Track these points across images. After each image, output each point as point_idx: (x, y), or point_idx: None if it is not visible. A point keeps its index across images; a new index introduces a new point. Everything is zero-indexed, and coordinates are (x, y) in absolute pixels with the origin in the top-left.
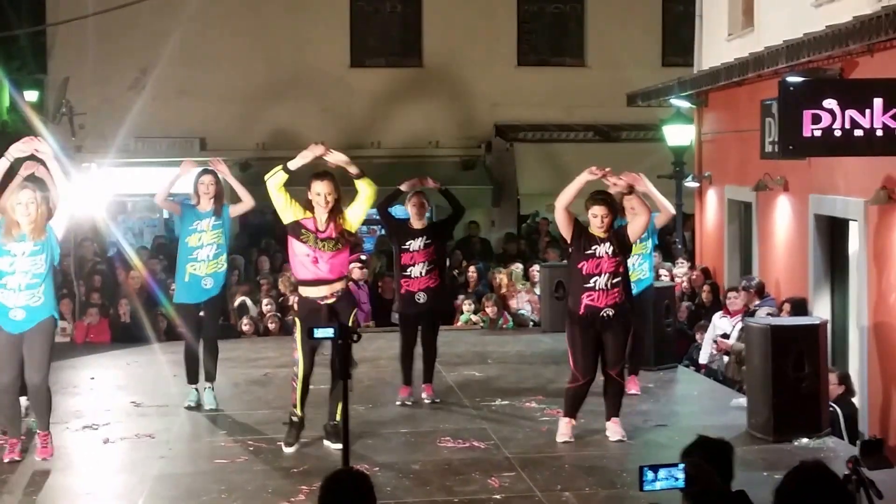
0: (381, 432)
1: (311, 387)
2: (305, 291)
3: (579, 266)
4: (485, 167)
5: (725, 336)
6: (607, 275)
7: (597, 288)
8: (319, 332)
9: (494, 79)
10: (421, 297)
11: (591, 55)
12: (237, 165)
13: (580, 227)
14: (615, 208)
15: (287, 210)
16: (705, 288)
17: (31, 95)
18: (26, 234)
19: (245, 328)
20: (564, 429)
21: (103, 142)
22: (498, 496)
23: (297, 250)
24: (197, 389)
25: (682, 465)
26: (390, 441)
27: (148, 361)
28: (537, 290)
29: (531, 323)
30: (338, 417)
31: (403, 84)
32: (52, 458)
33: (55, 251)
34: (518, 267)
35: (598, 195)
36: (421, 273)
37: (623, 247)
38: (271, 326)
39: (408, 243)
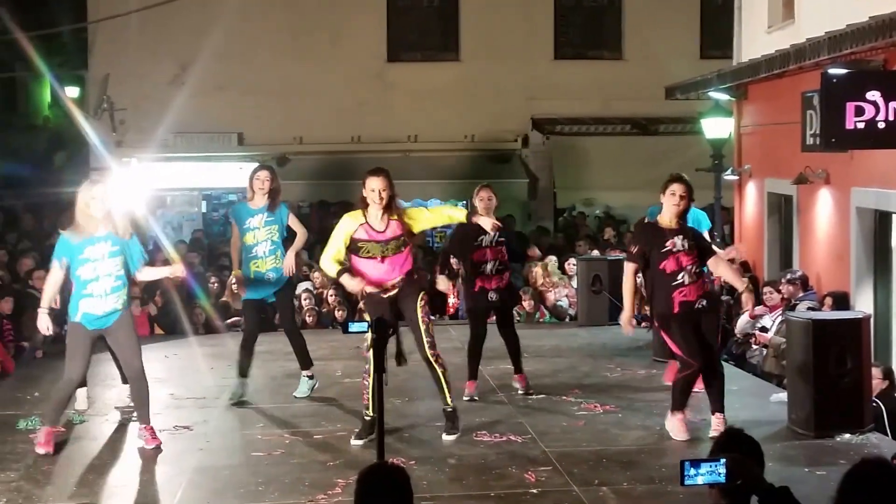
0: (417, 426)
1: (346, 380)
2: (369, 288)
3: (661, 267)
4: (521, 161)
5: (764, 329)
6: (690, 267)
7: (686, 282)
8: (354, 327)
9: (531, 72)
10: (493, 296)
11: (629, 48)
12: (274, 160)
13: (645, 235)
14: (692, 194)
15: (346, 244)
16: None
17: (73, 91)
18: (104, 231)
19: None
20: (679, 426)
21: (143, 137)
22: (534, 490)
23: (360, 263)
24: (245, 383)
25: (723, 460)
26: (426, 435)
27: (186, 354)
28: (574, 284)
29: (569, 317)
30: (447, 402)
31: (440, 78)
32: (150, 448)
33: (135, 260)
34: (553, 260)
35: (678, 175)
36: (493, 270)
37: (699, 251)
38: (309, 320)
39: (479, 239)
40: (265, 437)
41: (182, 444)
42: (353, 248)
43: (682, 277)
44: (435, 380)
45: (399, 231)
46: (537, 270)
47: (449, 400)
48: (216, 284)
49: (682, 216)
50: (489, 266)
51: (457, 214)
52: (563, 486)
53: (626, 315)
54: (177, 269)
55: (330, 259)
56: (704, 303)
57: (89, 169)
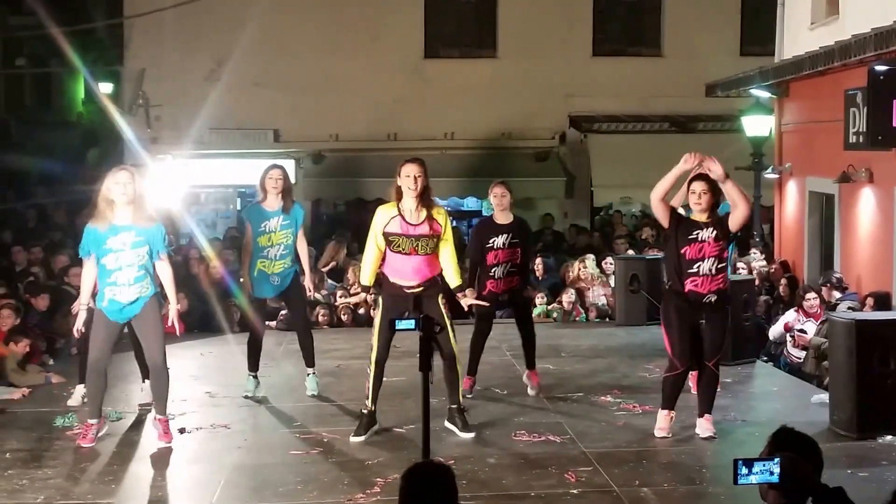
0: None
1: (384, 378)
2: (393, 278)
3: (682, 251)
4: (558, 159)
5: (802, 332)
6: (711, 259)
7: (701, 273)
8: (401, 325)
9: (569, 69)
10: (504, 298)
11: (668, 45)
12: (310, 157)
13: (679, 216)
14: (716, 189)
15: (380, 245)
16: (783, 282)
17: (107, 87)
18: (128, 221)
19: (321, 319)
20: (663, 422)
21: (178, 133)
22: (575, 491)
23: (390, 257)
24: (256, 377)
25: (777, 459)
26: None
27: (222, 352)
28: (611, 283)
29: (607, 317)
30: (460, 399)
31: (477, 75)
32: (160, 444)
33: (158, 249)
34: (591, 258)
35: (699, 174)
36: (503, 274)
37: (725, 233)
38: (344, 318)
39: (491, 240)
40: (303, 435)
41: (220, 443)
42: (386, 241)
43: (699, 267)
44: (454, 379)
45: (434, 230)
46: (577, 269)
47: (461, 398)
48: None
49: (709, 211)
50: (501, 269)
51: (453, 279)
52: (604, 487)
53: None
54: (173, 314)
55: (369, 266)
56: (714, 298)
57: (124, 165)
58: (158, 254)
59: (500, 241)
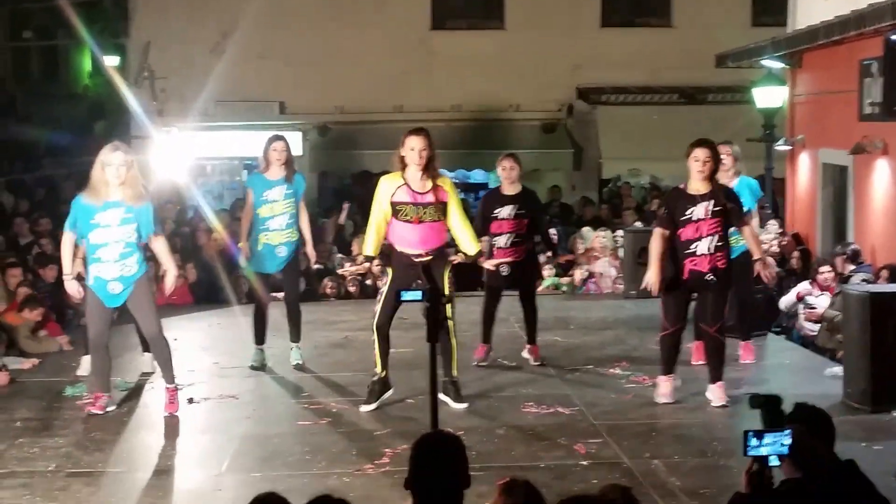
0: (464, 397)
1: (391, 350)
2: (400, 247)
3: (678, 233)
4: (566, 130)
5: (812, 307)
6: (709, 238)
7: (698, 253)
8: (408, 295)
9: (577, 41)
10: (504, 270)
11: (678, 15)
12: (315, 129)
13: (671, 199)
14: (717, 158)
15: (384, 215)
16: (795, 254)
17: (113, 60)
18: (118, 198)
19: (328, 290)
20: (663, 388)
21: (184, 105)
22: (584, 462)
23: (396, 226)
24: (262, 350)
25: (788, 431)
26: (473, 405)
27: (229, 323)
28: (620, 255)
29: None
30: (454, 373)
31: (484, 46)
32: (165, 414)
33: (148, 228)
34: (605, 230)
35: (703, 140)
36: (506, 244)
37: (727, 206)
38: (352, 289)
39: (496, 210)
40: (311, 406)
41: (228, 413)
42: (392, 210)
43: (696, 247)
44: (447, 349)
45: (439, 198)
46: (590, 238)
47: (455, 371)
48: None
49: (710, 179)
50: (504, 239)
51: (470, 246)
52: (614, 459)
53: (651, 275)
54: (170, 280)
55: (372, 238)
56: (713, 277)
57: (130, 138)
58: (149, 235)
59: (505, 211)
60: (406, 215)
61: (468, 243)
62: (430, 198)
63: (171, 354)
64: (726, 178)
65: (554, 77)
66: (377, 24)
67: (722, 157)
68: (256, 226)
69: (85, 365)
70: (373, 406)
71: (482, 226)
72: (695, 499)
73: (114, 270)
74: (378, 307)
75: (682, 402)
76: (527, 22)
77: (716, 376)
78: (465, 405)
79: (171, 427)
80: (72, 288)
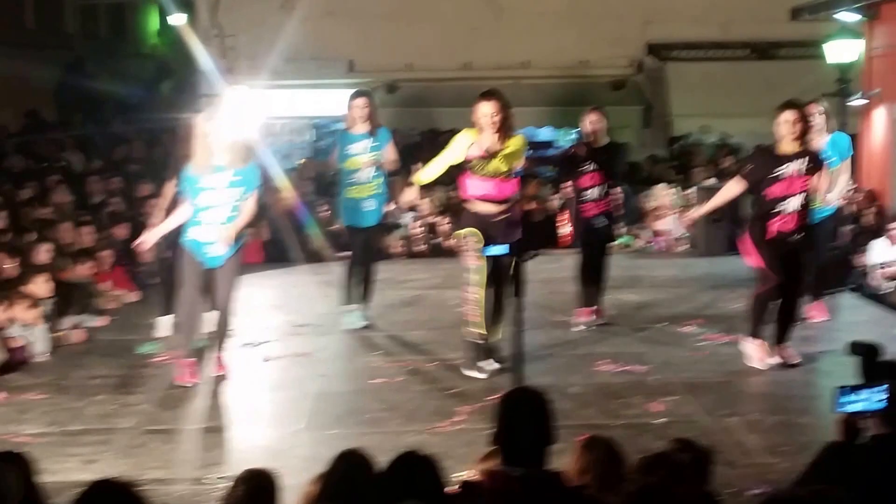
0: (537, 354)
1: (461, 308)
2: (476, 206)
3: (766, 192)
4: (636, 87)
5: (886, 265)
6: (799, 196)
7: (788, 211)
8: (494, 249)
9: None
10: (600, 222)
11: None
12: (384, 87)
13: (760, 159)
14: (806, 118)
15: (454, 159)
16: (871, 210)
17: (181, 18)
18: (225, 160)
19: (398, 249)
20: (759, 351)
21: (252, 63)
22: (663, 419)
23: (472, 183)
24: (355, 309)
25: (885, 386)
26: (546, 363)
27: (299, 282)
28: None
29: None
30: (499, 335)
31: (554, 2)
32: (213, 376)
33: (251, 186)
34: (674, 187)
35: (789, 102)
36: (599, 196)
37: (816, 167)
38: (422, 247)
39: (585, 164)
40: (385, 364)
41: (303, 371)
42: (468, 165)
43: (786, 205)
44: (500, 311)
45: (511, 151)
46: (658, 195)
47: (500, 334)
48: (328, 212)
49: (801, 139)
50: (596, 191)
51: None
52: (690, 416)
53: (697, 212)
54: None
55: (433, 170)
56: (800, 236)
57: (198, 96)
58: (249, 192)
59: (593, 165)
60: (481, 170)
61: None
62: (502, 150)
63: (228, 331)
64: (818, 136)
65: (623, 33)
66: None
67: (814, 115)
68: (343, 180)
69: (162, 327)
70: (493, 365)
71: (567, 176)
72: (774, 456)
73: (218, 234)
74: (476, 261)
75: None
76: None
77: (786, 337)
78: (499, 365)
79: (247, 385)
80: (148, 237)
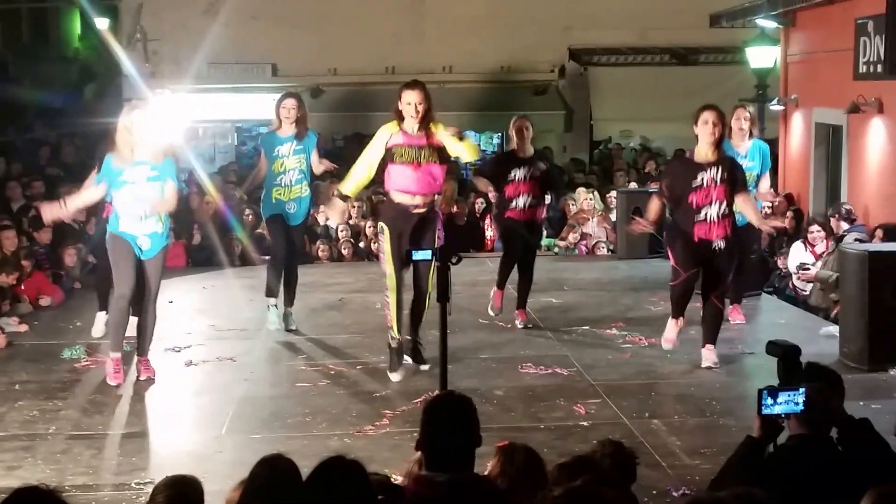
0: (461, 358)
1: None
2: (397, 197)
3: (689, 201)
4: (557, 92)
5: (804, 267)
6: (718, 204)
7: (708, 220)
8: (418, 255)
9: (569, 1)
10: (522, 230)
11: None
12: (308, 91)
13: (677, 166)
14: (725, 124)
15: (377, 163)
16: (788, 214)
17: (104, 22)
18: (145, 155)
19: (321, 253)
20: (671, 332)
21: (177, 68)
22: (585, 423)
23: (394, 171)
24: (277, 306)
25: (802, 390)
26: (471, 367)
27: (224, 286)
28: (613, 217)
29: (608, 250)
30: (418, 338)
31: (475, 8)
32: (142, 379)
33: (170, 175)
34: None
35: (710, 105)
36: (525, 205)
37: (733, 175)
38: (345, 252)
39: (512, 172)
40: (309, 368)
41: (227, 375)
42: (389, 155)
43: (706, 213)
44: (418, 313)
45: (434, 142)
46: (579, 199)
47: (419, 337)
48: (251, 216)
49: (718, 145)
50: (521, 200)
51: (468, 154)
52: (614, 419)
53: (637, 224)
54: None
55: (356, 179)
56: (722, 245)
57: (122, 100)
58: (167, 183)
59: (521, 173)
60: (403, 157)
61: (466, 153)
62: (422, 140)
63: (154, 329)
64: (741, 140)
65: (545, 38)
66: None
67: (741, 119)
68: (270, 181)
69: (100, 324)
70: (401, 372)
71: (493, 178)
72: (695, 458)
73: (145, 227)
74: (388, 267)
75: (681, 362)
76: None
77: (710, 339)
78: (428, 366)
79: (170, 389)
80: (50, 209)
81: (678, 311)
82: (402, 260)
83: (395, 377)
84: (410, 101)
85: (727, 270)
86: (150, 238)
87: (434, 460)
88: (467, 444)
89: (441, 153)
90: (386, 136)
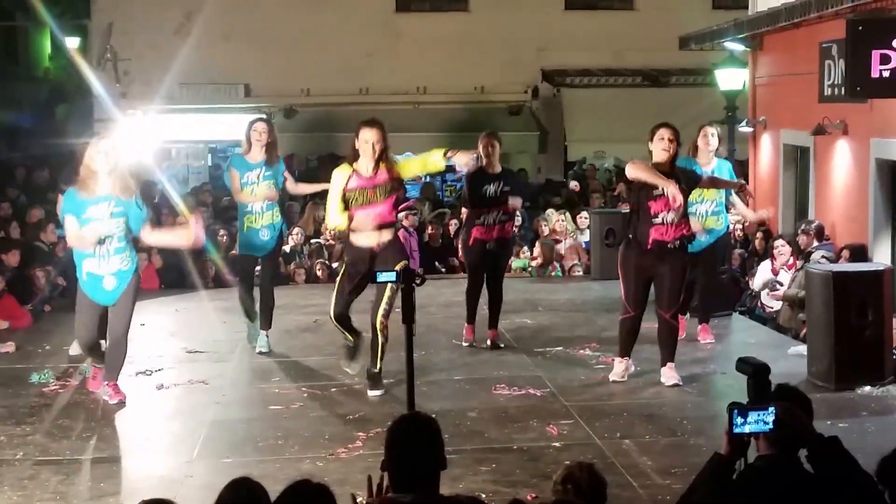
0: (435, 379)
1: (364, 334)
2: (354, 239)
3: (648, 205)
4: (531, 113)
5: (775, 288)
6: (675, 211)
7: (664, 222)
8: (383, 276)
9: (541, 23)
10: (492, 246)
11: None
12: (281, 112)
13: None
14: (679, 140)
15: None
16: (758, 235)
17: (74, 42)
18: (109, 190)
19: (296, 276)
20: (618, 368)
21: (148, 88)
22: (557, 444)
23: (357, 213)
24: (256, 326)
25: (772, 409)
26: (444, 388)
27: (196, 308)
28: (586, 237)
29: (580, 270)
30: (378, 365)
31: (449, 29)
32: (113, 403)
33: (138, 222)
34: (565, 213)
35: (665, 123)
36: (495, 220)
37: (690, 183)
38: (320, 274)
39: (483, 188)
40: (282, 390)
41: (198, 398)
42: (346, 199)
43: (663, 217)
44: (373, 345)
45: (388, 177)
46: (552, 220)
47: (379, 364)
48: (225, 237)
49: (673, 161)
50: (491, 217)
51: (433, 158)
52: (586, 440)
53: (670, 186)
54: (189, 235)
55: (336, 213)
56: (677, 244)
57: (93, 121)
58: (139, 230)
59: (490, 189)
60: (359, 201)
61: (433, 159)
62: (378, 179)
63: (125, 359)
64: (707, 158)
65: (519, 59)
66: (342, 6)
67: (707, 136)
68: (241, 209)
69: (77, 346)
70: (359, 363)
71: (472, 204)
72: (667, 478)
73: (110, 265)
74: (333, 295)
75: (653, 382)
76: (491, 4)
77: (668, 357)
78: (379, 392)
79: (141, 414)
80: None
81: (624, 349)
82: (348, 295)
83: (352, 367)
84: (368, 140)
85: (678, 284)
86: (116, 276)
87: (399, 481)
88: (432, 463)
89: (394, 184)
90: (341, 181)
